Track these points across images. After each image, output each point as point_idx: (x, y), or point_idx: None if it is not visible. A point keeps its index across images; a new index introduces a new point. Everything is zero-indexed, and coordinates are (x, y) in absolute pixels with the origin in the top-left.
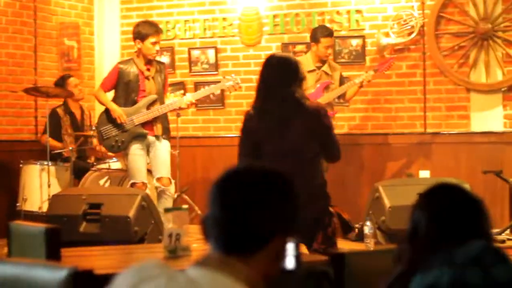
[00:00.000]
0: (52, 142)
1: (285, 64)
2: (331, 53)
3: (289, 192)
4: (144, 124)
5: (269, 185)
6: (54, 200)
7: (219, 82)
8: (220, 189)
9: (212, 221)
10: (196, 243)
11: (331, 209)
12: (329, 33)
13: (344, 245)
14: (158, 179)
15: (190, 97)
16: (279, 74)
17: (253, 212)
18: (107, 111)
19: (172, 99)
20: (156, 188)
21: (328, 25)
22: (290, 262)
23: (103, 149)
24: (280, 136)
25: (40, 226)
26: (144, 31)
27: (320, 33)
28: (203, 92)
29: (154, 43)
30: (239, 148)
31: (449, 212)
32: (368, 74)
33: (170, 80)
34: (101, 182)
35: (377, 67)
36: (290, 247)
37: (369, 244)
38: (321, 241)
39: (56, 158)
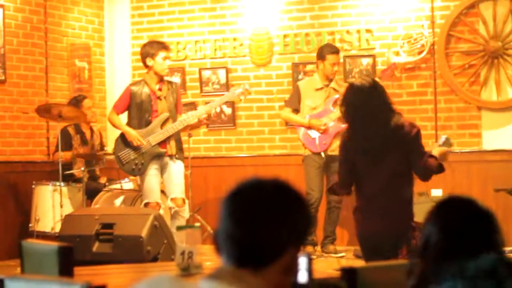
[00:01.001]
0: (65, 154)
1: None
2: (337, 70)
3: (301, 205)
4: (160, 143)
5: (280, 198)
6: (66, 220)
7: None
8: (232, 202)
9: (223, 235)
10: (209, 262)
11: (413, 223)
12: (335, 50)
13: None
14: (172, 200)
15: (203, 109)
16: None
17: (265, 225)
18: (122, 136)
19: (185, 114)
20: (170, 208)
21: (338, 44)
22: (302, 276)
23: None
24: None
25: (53, 245)
26: (153, 49)
27: (326, 50)
28: (215, 103)
29: (164, 58)
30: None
31: (460, 224)
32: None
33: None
34: (114, 202)
35: (381, 75)
36: (302, 261)
37: None
38: (406, 253)
39: (69, 178)
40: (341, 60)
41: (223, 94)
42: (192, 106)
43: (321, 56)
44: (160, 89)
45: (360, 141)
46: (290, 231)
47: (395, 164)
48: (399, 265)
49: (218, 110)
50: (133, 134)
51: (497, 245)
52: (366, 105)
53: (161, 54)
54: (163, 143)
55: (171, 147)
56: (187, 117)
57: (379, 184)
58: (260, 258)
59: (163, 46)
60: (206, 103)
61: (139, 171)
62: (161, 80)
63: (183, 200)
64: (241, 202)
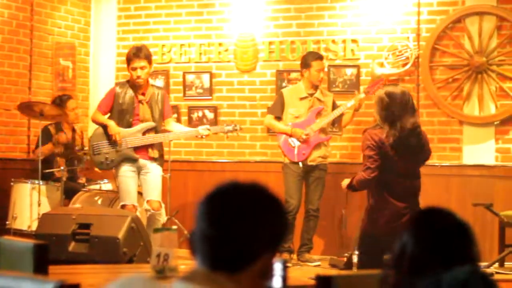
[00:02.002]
0: (45, 148)
1: None
2: (323, 77)
3: (278, 210)
4: (136, 148)
5: (258, 202)
6: (43, 219)
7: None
8: (209, 205)
9: (199, 237)
10: (185, 265)
11: None
12: (318, 56)
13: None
14: (148, 202)
15: (187, 134)
16: None
17: (241, 228)
18: (104, 127)
19: (173, 133)
20: (146, 211)
21: (323, 53)
22: (277, 282)
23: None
24: None
25: (29, 242)
26: (127, 56)
27: (311, 57)
28: (199, 131)
29: (133, 69)
30: None
31: (436, 236)
32: (358, 97)
33: None
34: (92, 203)
35: (368, 89)
36: (277, 267)
37: None
38: None
39: (48, 177)
40: (326, 69)
41: (206, 99)
42: (174, 109)
43: (305, 64)
44: (143, 94)
45: None
46: (266, 235)
47: None
48: (373, 274)
49: (200, 114)
50: (116, 129)
51: (472, 258)
52: None
53: (132, 64)
54: (141, 149)
55: (154, 152)
56: (170, 136)
57: None
58: (234, 261)
59: (135, 55)
60: (189, 107)
61: (107, 166)
62: (145, 84)
63: (159, 203)
64: (218, 204)
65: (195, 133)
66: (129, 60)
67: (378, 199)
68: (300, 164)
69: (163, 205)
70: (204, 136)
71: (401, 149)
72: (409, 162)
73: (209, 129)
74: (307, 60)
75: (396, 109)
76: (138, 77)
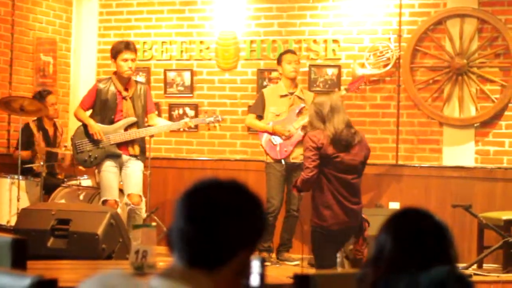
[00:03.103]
0: (24, 153)
1: None
2: (297, 70)
3: (256, 207)
4: (119, 145)
5: (236, 199)
6: (22, 214)
7: (204, 113)
8: (186, 201)
9: (177, 233)
10: (163, 262)
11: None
12: (289, 50)
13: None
14: (129, 196)
15: (168, 127)
16: None
17: (218, 226)
18: (85, 126)
19: (155, 127)
20: (126, 205)
21: (304, 53)
22: (254, 279)
23: (69, 161)
24: None
25: (7, 237)
26: (116, 48)
27: (282, 53)
28: (180, 123)
29: (125, 60)
30: None
31: (414, 236)
32: (339, 93)
33: None
34: (71, 198)
35: (348, 86)
36: (255, 264)
37: None
38: (361, 243)
39: (27, 173)
40: (306, 69)
41: (186, 96)
42: (156, 106)
43: (278, 60)
44: (126, 89)
45: None
46: (244, 232)
47: None
48: (351, 274)
49: (181, 112)
50: (96, 128)
51: (450, 258)
52: None
53: (122, 56)
54: (123, 145)
55: (135, 149)
56: (152, 130)
57: None
58: (211, 259)
59: (125, 47)
60: (170, 104)
61: (90, 164)
62: (129, 80)
63: (140, 196)
64: (196, 200)
65: (180, 125)
66: (118, 52)
67: (320, 195)
68: (283, 161)
69: (143, 200)
70: (187, 129)
71: (338, 146)
72: (349, 158)
73: (190, 121)
74: (279, 58)
75: (325, 110)
76: (130, 68)
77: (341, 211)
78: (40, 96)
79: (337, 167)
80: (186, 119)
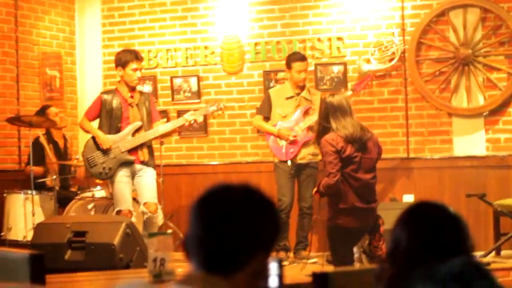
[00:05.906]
0: (36, 169)
1: None
2: (306, 77)
3: (270, 211)
4: (130, 151)
5: (249, 204)
6: (38, 228)
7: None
8: (201, 207)
9: (193, 240)
10: (182, 268)
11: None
12: (299, 57)
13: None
14: (145, 205)
15: (174, 124)
16: None
17: (233, 230)
18: (93, 139)
19: (162, 126)
20: (143, 214)
21: (309, 52)
22: (273, 281)
23: (83, 173)
24: None
25: (24, 253)
26: (124, 58)
27: (292, 59)
28: (187, 117)
29: (134, 70)
30: None
31: (430, 230)
32: (346, 94)
33: None
34: (85, 210)
35: (354, 86)
36: (273, 266)
37: None
38: (378, 238)
39: (40, 187)
40: (312, 68)
41: (194, 102)
42: (164, 114)
43: (288, 65)
44: (132, 97)
45: None
46: (259, 236)
47: None
48: (369, 270)
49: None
50: (104, 138)
51: (466, 249)
52: None
53: (132, 65)
54: (133, 151)
55: (143, 153)
56: (159, 129)
57: None
58: (229, 264)
59: (135, 57)
60: (178, 111)
61: (106, 175)
62: (133, 89)
63: (156, 205)
64: (210, 207)
65: (182, 121)
66: (128, 62)
67: (339, 194)
68: (289, 162)
69: (159, 207)
70: (192, 122)
71: (355, 145)
72: (367, 156)
73: (194, 114)
74: (289, 61)
75: (334, 110)
76: (139, 78)
77: (359, 211)
78: (43, 111)
79: (356, 166)
80: (189, 114)
